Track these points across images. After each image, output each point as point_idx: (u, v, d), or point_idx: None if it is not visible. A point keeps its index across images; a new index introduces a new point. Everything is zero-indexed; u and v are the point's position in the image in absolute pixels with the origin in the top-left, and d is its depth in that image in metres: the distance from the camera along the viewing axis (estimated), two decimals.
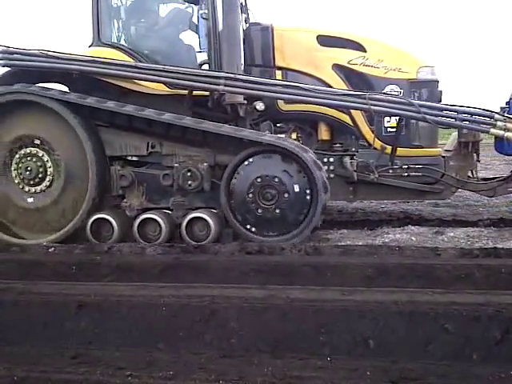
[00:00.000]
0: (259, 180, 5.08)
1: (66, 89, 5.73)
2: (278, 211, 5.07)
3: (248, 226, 5.16)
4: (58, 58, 5.34)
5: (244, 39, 5.79)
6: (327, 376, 2.27)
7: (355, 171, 5.69)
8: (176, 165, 5.30)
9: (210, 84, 5.19)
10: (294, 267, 3.99)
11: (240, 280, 3.72)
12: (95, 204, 5.27)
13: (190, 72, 5.27)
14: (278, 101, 5.75)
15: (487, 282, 3.65)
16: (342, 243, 5.06)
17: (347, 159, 5.73)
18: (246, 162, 5.16)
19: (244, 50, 5.69)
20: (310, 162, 5.02)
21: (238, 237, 5.20)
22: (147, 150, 5.38)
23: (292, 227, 5.12)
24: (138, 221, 5.19)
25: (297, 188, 5.08)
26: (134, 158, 5.48)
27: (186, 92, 5.51)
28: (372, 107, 5.20)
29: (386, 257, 4.24)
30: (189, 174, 5.21)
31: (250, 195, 5.09)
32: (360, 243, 5.03)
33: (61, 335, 2.97)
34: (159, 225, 5.12)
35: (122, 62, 5.39)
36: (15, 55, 5.36)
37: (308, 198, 5.09)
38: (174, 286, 3.47)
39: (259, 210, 5.10)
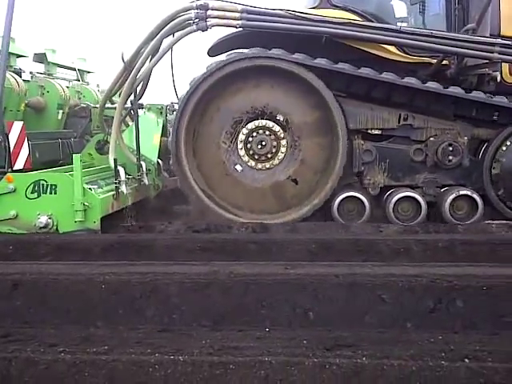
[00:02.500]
0: None
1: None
2: None
3: (508, 203, 4.93)
4: (309, 19, 4.81)
5: None
6: (264, 346, 2.30)
7: None
8: (431, 139, 4.90)
9: (482, 51, 4.72)
10: (240, 244, 4.00)
11: (185, 257, 3.70)
12: (340, 181, 4.90)
13: (461, 38, 4.77)
14: (504, 72, 5.04)
15: (424, 255, 3.80)
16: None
17: None
18: None
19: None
20: None
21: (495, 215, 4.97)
22: (398, 122, 4.93)
23: None
24: (393, 200, 4.82)
25: None
26: (376, 132, 5.02)
27: (423, 60, 5.06)
28: None
29: (330, 233, 4.32)
30: (450, 148, 4.83)
31: None
32: None
33: None
34: (417, 204, 4.81)
35: (382, 26, 4.90)
36: (257, 16, 4.85)
37: None
38: (115, 263, 3.41)
39: None
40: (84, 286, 2.98)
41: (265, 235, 4.19)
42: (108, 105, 5.96)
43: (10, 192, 4.58)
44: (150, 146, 5.62)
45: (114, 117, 5.31)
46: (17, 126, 5.00)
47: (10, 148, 4.89)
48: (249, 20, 4.81)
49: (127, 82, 5.15)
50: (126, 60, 5.13)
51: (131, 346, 2.29)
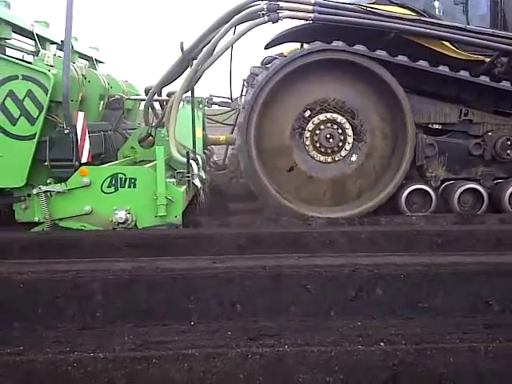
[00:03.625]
0: None
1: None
2: None
3: None
4: (379, 14, 4.78)
5: None
6: (188, 339, 2.30)
7: None
8: (489, 133, 5.07)
9: None
10: (169, 240, 3.96)
11: (111, 254, 3.61)
12: (406, 174, 4.97)
13: None
14: None
15: (349, 246, 3.94)
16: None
17: None
18: None
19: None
20: None
21: None
22: (459, 117, 5.05)
23: None
24: (458, 192, 5.00)
25: None
26: (436, 126, 5.12)
27: (476, 58, 5.17)
28: None
29: (260, 227, 4.38)
30: (508, 142, 5.05)
31: None
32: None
33: None
34: (476, 196, 5.05)
35: (449, 24, 4.92)
36: (330, 9, 4.77)
37: None
38: (35, 262, 3.25)
39: None
40: (0, 285, 2.83)
41: (194, 230, 4.17)
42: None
43: (84, 186, 4.38)
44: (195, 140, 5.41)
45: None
46: (80, 117, 4.61)
47: (77, 140, 4.57)
48: (321, 13, 4.77)
49: (190, 71, 4.98)
50: (185, 50, 4.98)
51: (48, 346, 2.21)
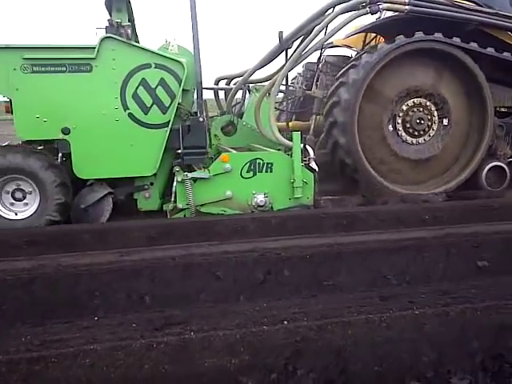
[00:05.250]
0: None
1: None
2: None
3: None
4: (463, 8, 5.32)
5: None
6: (90, 334, 2.22)
7: None
8: None
9: None
10: (74, 235, 3.80)
11: (9, 254, 3.40)
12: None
13: None
14: None
15: (259, 231, 4.02)
16: None
17: None
18: None
19: None
20: None
21: None
22: None
23: None
24: None
25: None
26: (503, 110, 5.89)
27: None
28: None
29: (170, 219, 4.33)
30: None
31: None
32: None
33: None
34: None
35: None
36: (422, 2, 5.23)
37: None
38: None
39: None
40: None
41: (100, 224, 4.03)
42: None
43: (226, 172, 4.57)
44: (270, 128, 5.51)
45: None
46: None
47: (209, 128, 4.92)
48: (415, 6, 5.22)
49: (291, 59, 5.33)
50: (283, 38, 5.32)
51: None
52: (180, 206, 4.50)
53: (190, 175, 4.49)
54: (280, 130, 5.48)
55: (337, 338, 2.23)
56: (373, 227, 4.16)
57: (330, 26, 5.28)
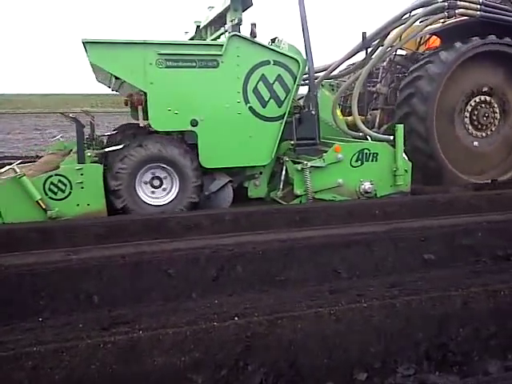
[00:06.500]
0: None
1: None
2: None
3: None
4: None
5: None
6: (34, 336, 2.14)
7: None
8: None
9: None
10: (19, 234, 3.65)
11: None
12: None
13: None
14: None
15: (213, 228, 3.99)
16: None
17: None
18: None
19: None
20: None
21: None
22: None
23: None
24: None
25: None
26: None
27: None
28: None
29: (120, 216, 4.23)
30: None
31: None
32: None
33: None
34: None
35: None
36: (491, 9, 5.80)
37: None
38: None
39: None
40: None
41: (46, 223, 3.89)
42: None
43: (338, 161, 4.97)
44: (339, 122, 6.19)
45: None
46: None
47: (319, 120, 5.18)
48: (485, 12, 5.79)
49: (375, 58, 6.00)
50: (366, 38, 5.98)
51: None
52: (298, 192, 4.93)
53: (309, 164, 4.89)
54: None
55: (287, 333, 2.25)
56: (325, 222, 4.22)
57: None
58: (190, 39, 6.45)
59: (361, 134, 5.82)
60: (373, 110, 6.94)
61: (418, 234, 3.53)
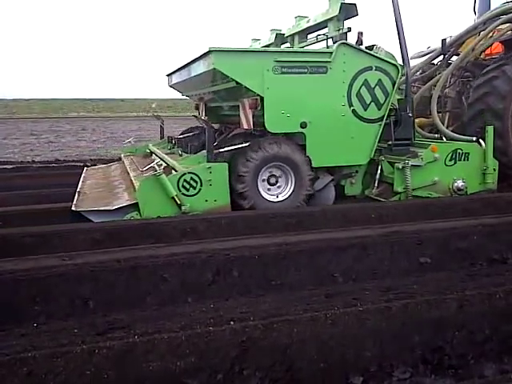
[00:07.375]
0: None
1: None
2: None
3: None
4: None
5: None
6: (28, 342, 2.13)
7: None
8: None
9: None
10: (13, 239, 3.64)
11: None
12: None
13: None
14: None
15: (209, 232, 3.98)
16: None
17: None
18: None
19: None
20: None
21: None
22: None
23: None
24: None
25: None
26: None
27: None
28: None
29: (116, 221, 4.22)
30: None
31: None
32: None
33: None
34: None
35: None
36: None
37: None
38: None
39: None
40: None
41: (42, 228, 3.87)
42: None
43: (433, 161, 5.28)
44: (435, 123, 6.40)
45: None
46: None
47: (414, 121, 5.60)
48: None
49: (454, 64, 6.46)
50: (445, 45, 6.40)
51: None
52: (398, 189, 5.22)
53: (410, 163, 5.17)
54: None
55: (283, 337, 2.24)
56: (321, 226, 4.22)
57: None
58: (266, 46, 7.06)
59: (437, 135, 6.21)
60: (438, 113, 7.08)
61: (414, 237, 3.54)
